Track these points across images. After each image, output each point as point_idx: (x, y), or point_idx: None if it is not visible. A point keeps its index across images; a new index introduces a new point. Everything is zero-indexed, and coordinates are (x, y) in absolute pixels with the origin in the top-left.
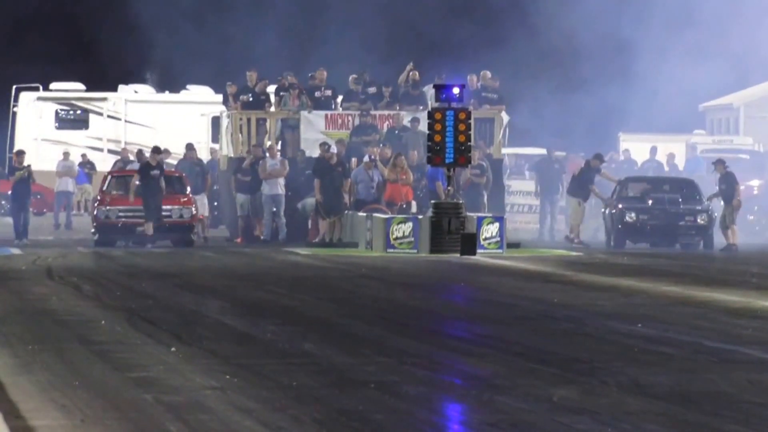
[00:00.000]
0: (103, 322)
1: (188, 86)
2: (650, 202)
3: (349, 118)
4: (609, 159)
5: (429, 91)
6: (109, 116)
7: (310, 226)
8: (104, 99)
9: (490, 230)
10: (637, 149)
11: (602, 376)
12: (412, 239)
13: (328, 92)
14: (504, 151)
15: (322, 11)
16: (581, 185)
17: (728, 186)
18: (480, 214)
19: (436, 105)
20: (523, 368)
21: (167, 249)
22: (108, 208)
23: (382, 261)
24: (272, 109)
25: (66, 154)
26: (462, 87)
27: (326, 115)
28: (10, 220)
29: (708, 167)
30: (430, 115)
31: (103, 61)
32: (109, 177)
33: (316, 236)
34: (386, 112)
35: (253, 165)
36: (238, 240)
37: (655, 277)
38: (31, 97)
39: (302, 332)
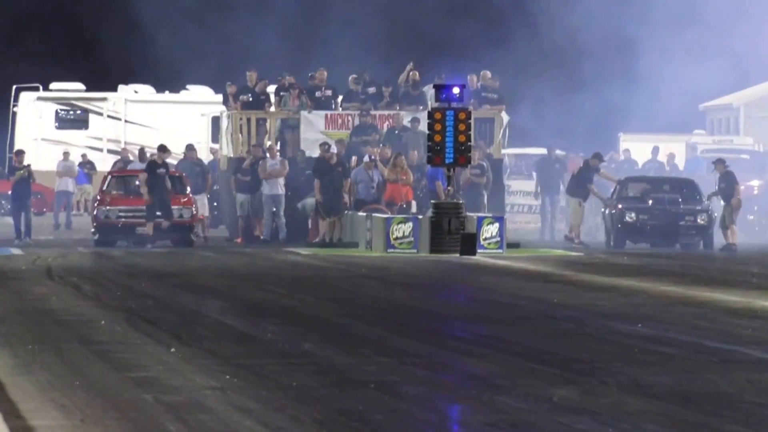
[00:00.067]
0: (103, 322)
1: (188, 86)
2: (650, 202)
3: (349, 118)
4: (609, 159)
5: (429, 91)
6: (109, 116)
7: (310, 226)
8: (104, 99)
9: (490, 230)
10: (637, 149)
11: (602, 376)
12: (412, 239)
13: (329, 92)
14: (504, 151)
15: (322, 11)
16: (580, 185)
17: (728, 185)
18: (480, 214)
19: (436, 105)
20: (523, 368)
21: (167, 249)
22: (108, 208)
23: (382, 261)
24: (272, 109)
25: (66, 154)
26: (462, 87)
27: (326, 115)
28: (10, 220)
29: (708, 167)
30: (430, 115)
31: (103, 61)
32: (109, 177)
33: (316, 236)
34: (386, 112)
35: (253, 165)
36: (238, 240)
37: (655, 277)
38: (31, 97)
39: (302, 332)
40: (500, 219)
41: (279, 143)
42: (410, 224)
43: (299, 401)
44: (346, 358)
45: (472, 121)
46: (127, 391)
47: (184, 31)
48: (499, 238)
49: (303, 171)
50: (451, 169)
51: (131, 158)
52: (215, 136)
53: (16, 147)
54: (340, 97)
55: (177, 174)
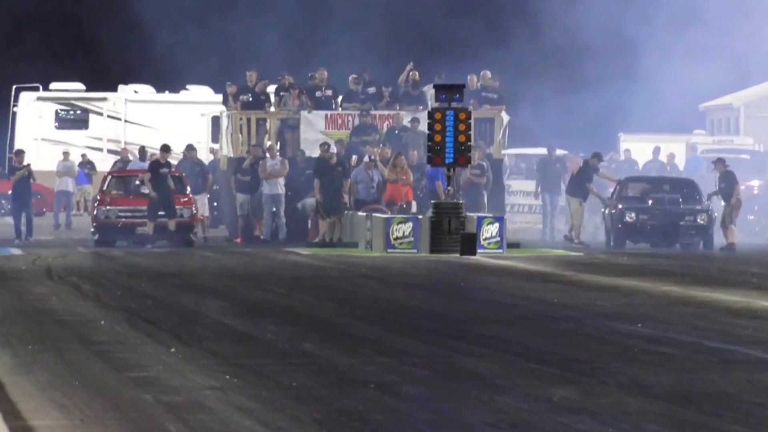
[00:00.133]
0: (102, 322)
1: (188, 86)
2: (650, 202)
3: (349, 118)
4: (609, 159)
5: (429, 91)
6: (109, 116)
7: (310, 226)
8: (104, 99)
9: (490, 230)
10: (637, 149)
11: (602, 376)
12: (412, 239)
13: (329, 92)
14: (505, 152)
15: (322, 11)
16: (580, 185)
17: (728, 185)
18: (480, 214)
19: (436, 105)
20: (523, 368)
21: (167, 249)
22: (108, 208)
23: (382, 261)
24: (272, 109)
25: (66, 154)
26: (462, 87)
27: (326, 115)
28: (10, 220)
29: (708, 167)
30: (430, 115)
31: (103, 61)
32: (109, 177)
33: (316, 236)
34: (386, 112)
35: (253, 165)
36: (238, 240)
37: (655, 277)
38: (31, 97)
39: (302, 332)
40: (500, 219)
41: (279, 143)
42: (410, 224)
43: (299, 401)
44: (346, 358)
45: (472, 121)
46: (127, 391)
47: (184, 31)
48: (499, 238)
49: (303, 171)
50: (451, 169)
51: (131, 158)
52: (215, 136)
53: (16, 147)
54: (341, 97)
55: (177, 174)
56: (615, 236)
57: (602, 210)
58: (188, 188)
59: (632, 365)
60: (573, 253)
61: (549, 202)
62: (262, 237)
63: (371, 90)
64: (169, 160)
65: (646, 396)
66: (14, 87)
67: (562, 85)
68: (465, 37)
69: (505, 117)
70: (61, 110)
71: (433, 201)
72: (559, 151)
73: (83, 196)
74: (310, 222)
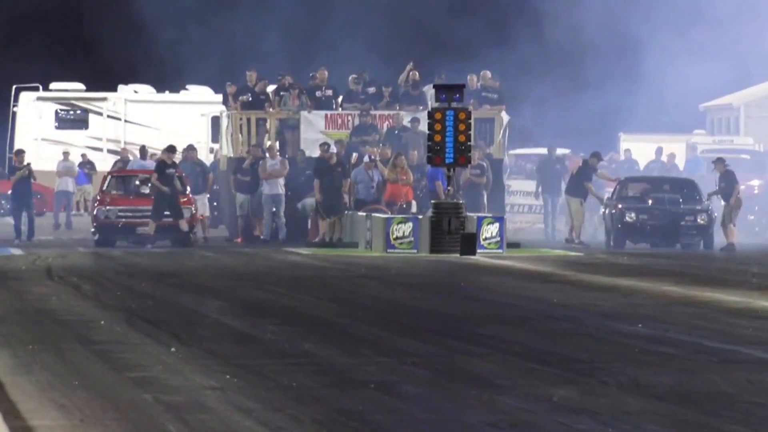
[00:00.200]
0: (102, 322)
1: (188, 86)
2: (650, 202)
3: (349, 118)
4: (609, 159)
5: (429, 91)
6: (108, 116)
7: (309, 226)
8: (104, 99)
9: (490, 230)
10: (637, 149)
11: (602, 376)
12: (412, 239)
13: (329, 92)
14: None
15: (323, 11)
16: (579, 184)
17: (728, 184)
18: (480, 214)
19: (436, 105)
20: (523, 368)
21: (167, 249)
22: (108, 208)
23: (382, 261)
24: (272, 109)
25: (66, 154)
26: (462, 87)
27: (326, 115)
28: (10, 220)
29: (708, 167)
30: (430, 115)
31: (103, 61)
32: (109, 177)
33: (316, 236)
34: (386, 112)
35: (253, 165)
36: (238, 240)
37: (655, 277)
38: (31, 97)
39: (302, 332)
40: (500, 219)
41: (278, 143)
42: (410, 224)
43: (299, 401)
44: (346, 358)
45: (472, 121)
46: (127, 391)
47: (184, 31)
48: (499, 238)
49: (303, 171)
50: (451, 169)
51: (131, 158)
52: (215, 136)
53: (16, 147)
54: (341, 97)
55: (177, 174)
56: (615, 236)
57: (602, 210)
58: (188, 188)
59: (632, 365)
60: (573, 253)
61: (550, 202)
62: (262, 237)
63: (371, 90)
64: (175, 160)
65: (646, 396)
66: (14, 87)
67: (562, 85)
68: (465, 37)
69: (505, 117)
70: (61, 110)
71: (433, 201)
72: (560, 151)
73: (83, 196)
74: (310, 222)
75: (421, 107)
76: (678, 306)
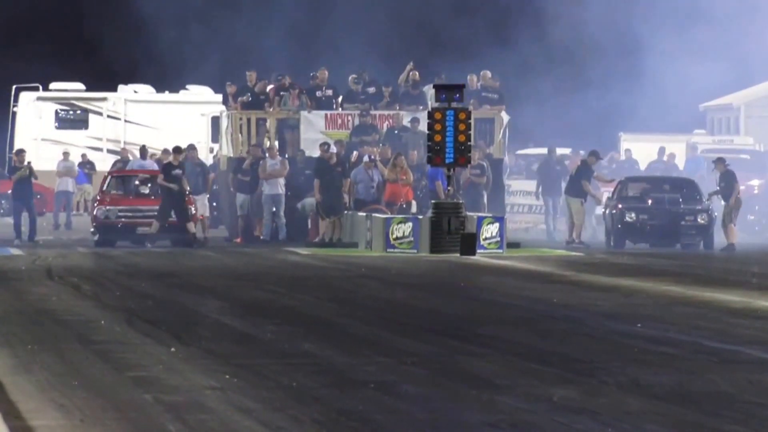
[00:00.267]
0: (102, 322)
1: (188, 86)
2: (650, 201)
3: (349, 118)
4: (609, 159)
5: (429, 91)
6: (108, 116)
7: (309, 226)
8: (104, 99)
9: (490, 230)
10: (637, 149)
11: (602, 376)
12: (412, 239)
13: (329, 92)
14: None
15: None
16: (579, 184)
17: (727, 184)
18: (480, 214)
19: (436, 105)
20: (523, 368)
21: (167, 249)
22: (108, 208)
23: (382, 261)
24: (272, 109)
25: (66, 154)
26: (462, 87)
27: (326, 115)
28: (10, 220)
29: (708, 167)
30: (430, 115)
31: (104, 61)
32: (109, 177)
33: (316, 236)
34: (386, 112)
35: (252, 165)
36: (238, 240)
37: (655, 277)
38: (31, 97)
39: (302, 332)
40: (500, 219)
41: (278, 143)
42: (410, 224)
43: (299, 401)
44: (346, 358)
45: (472, 121)
46: (127, 391)
47: (184, 31)
48: (499, 238)
49: (303, 171)
50: (451, 169)
51: (131, 158)
52: (215, 136)
53: (16, 147)
54: (341, 97)
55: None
56: (615, 236)
57: (603, 210)
58: (188, 188)
59: (632, 365)
60: (573, 253)
61: (551, 203)
62: (262, 237)
63: (371, 90)
64: (182, 161)
65: (646, 396)
66: (14, 87)
67: (562, 85)
68: (466, 37)
69: (505, 117)
70: (61, 110)
71: (433, 201)
72: (560, 151)
73: (83, 196)
74: (310, 222)
75: (421, 107)
76: (678, 306)
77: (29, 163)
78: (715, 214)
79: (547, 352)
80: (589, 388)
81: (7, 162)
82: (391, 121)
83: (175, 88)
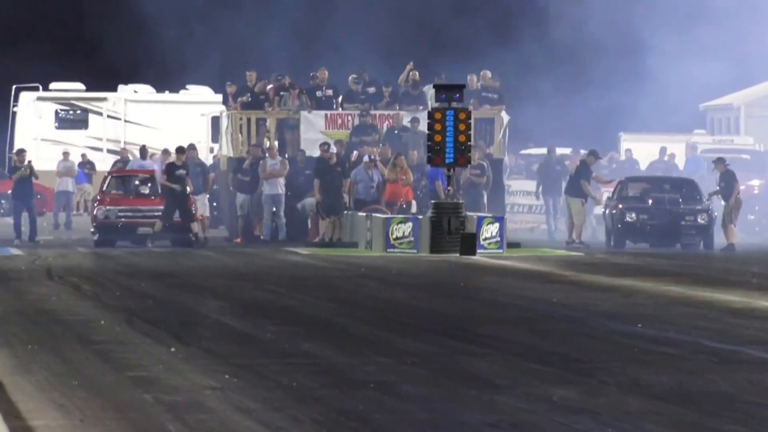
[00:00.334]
0: (102, 322)
1: (188, 86)
2: (650, 201)
3: (349, 118)
4: (609, 159)
5: (429, 91)
6: (108, 116)
7: (309, 226)
8: (104, 99)
9: (490, 230)
10: (637, 149)
11: (602, 376)
12: (412, 239)
13: (329, 92)
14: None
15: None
16: (579, 184)
17: (727, 184)
18: (480, 214)
19: (436, 105)
20: (523, 368)
21: (167, 249)
22: (108, 208)
23: (382, 261)
24: (272, 109)
25: (66, 154)
26: (462, 87)
27: (326, 115)
28: (10, 220)
29: (708, 167)
30: (430, 115)
31: (103, 61)
32: (109, 177)
33: (315, 236)
34: (386, 112)
35: (253, 165)
36: (238, 240)
37: (655, 277)
38: (31, 97)
39: (302, 332)
40: (500, 219)
41: (277, 143)
42: (410, 224)
43: (299, 401)
44: (346, 358)
45: (472, 121)
46: (127, 390)
47: (184, 31)
48: (499, 238)
49: (303, 171)
50: (451, 169)
51: (131, 158)
52: (215, 136)
53: (16, 147)
54: (341, 97)
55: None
56: (615, 236)
57: (603, 210)
58: (191, 188)
59: (632, 365)
60: (573, 253)
61: (551, 203)
62: (262, 237)
63: (371, 90)
64: (186, 161)
65: (646, 396)
66: (14, 87)
67: (561, 85)
68: (466, 37)
69: (505, 117)
70: (61, 110)
71: (433, 201)
72: (560, 151)
73: (83, 196)
74: (310, 222)
75: (421, 107)
76: (678, 306)
77: (29, 162)
78: (715, 214)
79: (547, 352)
80: (589, 388)
81: (7, 162)
82: (391, 121)
83: (175, 88)
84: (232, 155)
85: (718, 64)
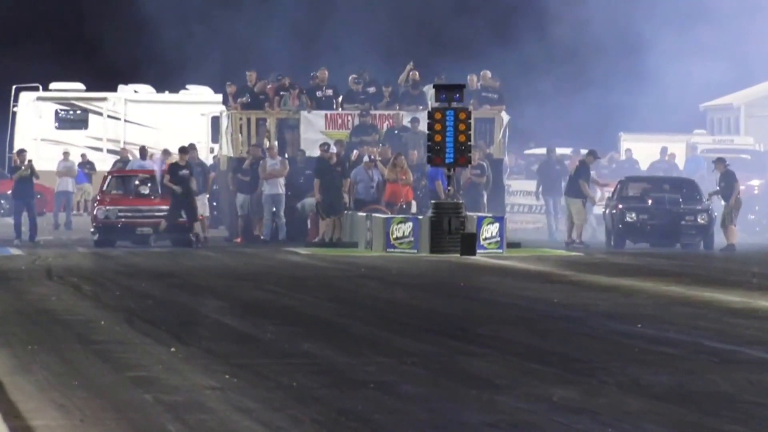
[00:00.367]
0: (102, 322)
1: (188, 86)
2: (650, 201)
3: (349, 118)
4: (609, 159)
5: (429, 91)
6: (108, 116)
7: (309, 226)
8: (104, 99)
9: (490, 230)
10: (637, 149)
11: (602, 376)
12: (412, 239)
13: (329, 92)
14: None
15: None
16: (578, 184)
17: (728, 184)
18: (480, 214)
19: (436, 105)
20: (523, 368)
21: (167, 249)
22: (108, 208)
23: (382, 261)
24: (272, 109)
25: (66, 154)
26: (462, 87)
27: (326, 115)
28: (10, 220)
29: (708, 167)
30: (430, 115)
31: (103, 61)
32: (109, 177)
33: (315, 236)
34: (386, 112)
35: (253, 165)
36: (238, 240)
37: (655, 277)
38: (31, 97)
39: (302, 332)
40: (500, 219)
41: (277, 143)
42: (410, 224)
43: (299, 401)
44: (346, 358)
45: (472, 121)
46: (127, 391)
47: (184, 31)
48: (499, 238)
49: (303, 171)
50: (451, 169)
51: (131, 158)
52: (215, 136)
53: (16, 147)
54: (341, 97)
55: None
56: (615, 236)
57: (603, 210)
58: (196, 188)
59: (632, 365)
60: (573, 253)
61: (551, 203)
62: (262, 237)
63: (371, 90)
64: (189, 161)
65: (646, 396)
66: (14, 87)
67: (561, 85)
68: (466, 37)
69: (505, 117)
70: (61, 110)
71: (433, 201)
72: (559, 151)
73: (83, 196)
74: (310, 222)
75: (421, 107)
76: (678, 306)
77: (30, 161)
78: (715, 214)
79: (547, 352)
80: (589, 388)
81: (7, 162)
82: (391, 121)
83: (175, 88)
84: (232, 155)
85: (718, 64)
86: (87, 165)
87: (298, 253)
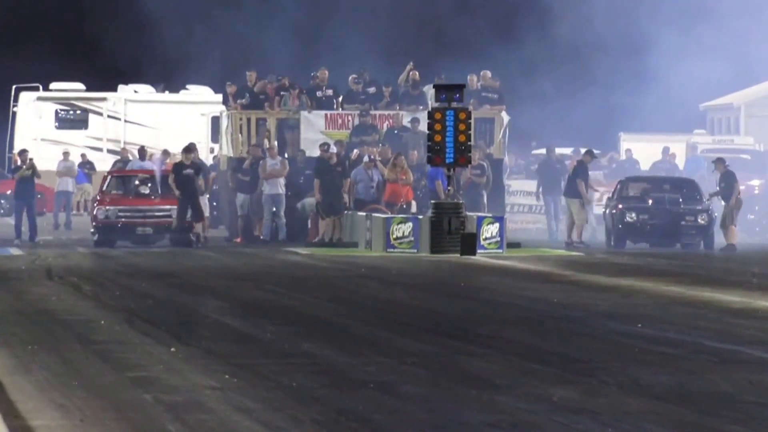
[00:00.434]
0: (102, 322)
1: (188, 86)
2: (650, 201)
3: (349, 118)
4: (609, 159)
5: (429, 91)
6: (108, 116)
7: (309, 226)
8: (104, 99)
9: (490, 230)
10: (637, 149)
11: (602, 376)
12: (412, 239)
13: (329, 92)
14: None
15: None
16: (576, 184)
17: (728, 185)
18: (480, 214)
19: (436, 105)
20: (523, 368)
21: (167, 249)
22: (108, 208)
23: (382, 261)
24: (271, 109)
25: (66, 154)
26: (462, 87)
27: (326, 115)
28: (10, 220)
29: (708, 167)
30: (430, 115)
31: (103, 61)
32: (109, 177)
33: (315, 236)
34: (386, 112)
35: (253, 165)
36: (238, 240)
37: (655, 277)
38: (31, 97)
39: (302, 332)
40: (500, 219)
41: (277, 143)
42: (410, 224)
43: (299, 401)
44: (346, 358)
45: (472, 121)
46: (127, 390)
47: (184, 31)
48: (499, 238)
49: (303, 171)
50: (451, 169)
51: (131, 158)
52: (215, 136)
53: (16, 147)
54: (341, 97)
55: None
56: (615, 236)
57: (603, 210)
58: (202, 188)
59: (632, 365)
60: (573, 253)
61: (552, 203)
62: (262, 237)
63: (371, 90)
64: (194, 160)
65: (646, 396)
66: (14, 87)
67: (562, 85)
68: (466, 36)
69: (505, 117)
70: (61, 110)
71: (433, 201)
72: (559, 151)
73: (83, 196)
74: (310, 222)
75: (421, 107)
76: (678, 306)
77: (31, 160)
78: (715, 214)
79: (547, 352)
80: (589, 388)
81: (7, 162)
82: (391, 121)
83: (175, 88)
84: (232, 155)
85: (718, 64)
86: (87, 165)
87: (298, 253)
